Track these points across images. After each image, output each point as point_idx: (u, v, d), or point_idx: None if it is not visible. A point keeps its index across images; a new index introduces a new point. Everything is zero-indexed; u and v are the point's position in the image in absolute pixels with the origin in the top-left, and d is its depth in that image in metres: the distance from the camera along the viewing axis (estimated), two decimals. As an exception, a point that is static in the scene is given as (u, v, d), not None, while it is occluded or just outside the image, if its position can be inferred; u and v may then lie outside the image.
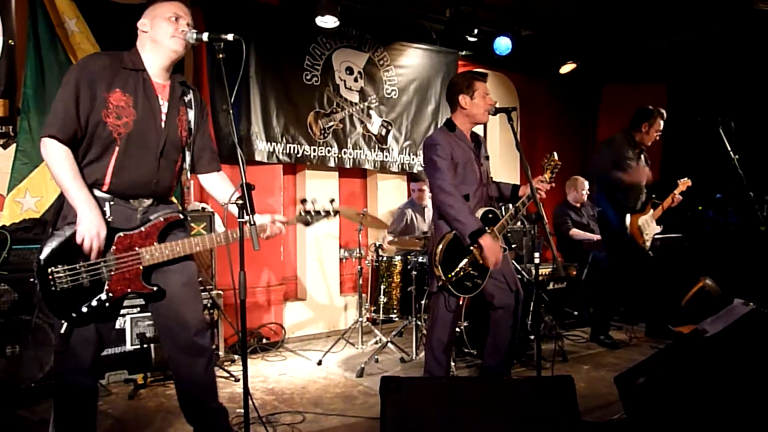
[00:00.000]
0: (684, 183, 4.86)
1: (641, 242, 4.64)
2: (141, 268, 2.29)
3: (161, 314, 2.40)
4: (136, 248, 2.29)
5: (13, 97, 3.92)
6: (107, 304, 2.24)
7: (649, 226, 4.70)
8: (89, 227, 2.15)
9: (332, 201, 2.80)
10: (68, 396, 2.31)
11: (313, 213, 2.72)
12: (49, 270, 2.13)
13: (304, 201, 2.74)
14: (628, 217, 4.64)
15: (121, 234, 2.26)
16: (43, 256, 2.13)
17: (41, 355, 3.41)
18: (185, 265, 2.43)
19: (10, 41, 3.85)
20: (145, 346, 3.80)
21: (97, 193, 2.26)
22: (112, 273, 2.24)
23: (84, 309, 2.20)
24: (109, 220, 2.25)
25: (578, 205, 5.93)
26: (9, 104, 3.92)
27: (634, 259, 4.70)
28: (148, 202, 2.36)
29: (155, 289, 2.33)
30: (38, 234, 3.55)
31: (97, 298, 2.22)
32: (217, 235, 2.39)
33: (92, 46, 4.06)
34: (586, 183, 5.87)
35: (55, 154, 2.18)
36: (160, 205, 2.40)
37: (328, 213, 2.75)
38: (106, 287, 2.23)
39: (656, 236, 4.82)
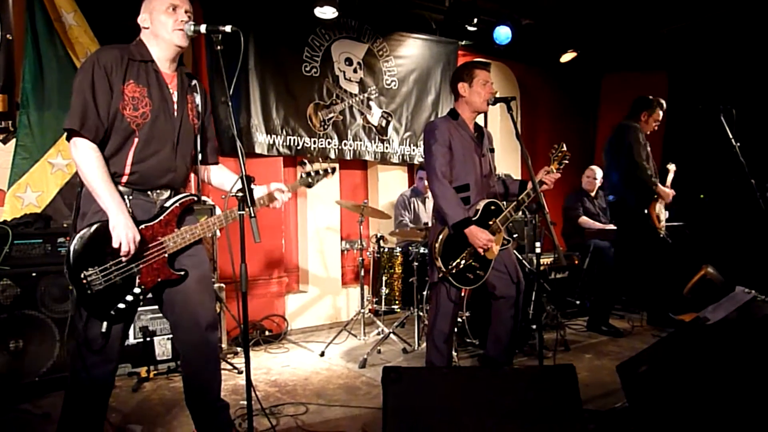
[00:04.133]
0: (671, 170, 4.90)
1: (659, 228, 4.65)
2: (167, 256, 2.33)
3: (175, 312, 2.41)
4: (159, 237, 2.32)
5: (11, 92, 3.90)
6: (141, 297, 2.27)
7: (662, 213, 4.71)
8: (125, 232, 2.17)
9: (327, 158, 2.87)
10: (87, 391, 2.31)
11: (313, 174, 2.80)
12: (82, 275, 2.14)
13: (303, 163, 2.81)
14: None
15: (143, 226, 2.28)
16: (71, 261, 2.13)
17: (44, 349, 3.42)
18: (200, 258, 2.46)
19: (8, 36, 3.82)
20: (148, 339, 3.81)
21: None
22: (142, 266, 2.27)
23: (121, 305, 2.22)
24: (130, 213, 2.26)
25: (592, 194, 5.88)
26: (8, 99, 3.90)
27: (653, 246, 4.70)
28: (166, 194, 2.39)
29: (182, 273, 2.37)
30: (39, 229, 3.55)
31: (131, 293, 2.24)
32: (231, 212, 2.40)
33: (90, 40, 4.04)
34: (597, 171, 5.82)
35: (87, 156, 2.18)
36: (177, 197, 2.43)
37: (326, 171, 2.84)
38: (138, 281, 2.26)
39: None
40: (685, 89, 6.78)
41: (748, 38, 6.06)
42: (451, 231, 3.05)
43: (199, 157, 2.52)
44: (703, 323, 2.82)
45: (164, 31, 2.29)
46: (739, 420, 2.34)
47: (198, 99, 2.50)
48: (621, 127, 4.72)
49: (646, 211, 4.60)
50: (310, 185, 2.83)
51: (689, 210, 6.00)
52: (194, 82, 2.50)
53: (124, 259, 2.21)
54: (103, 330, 2.21)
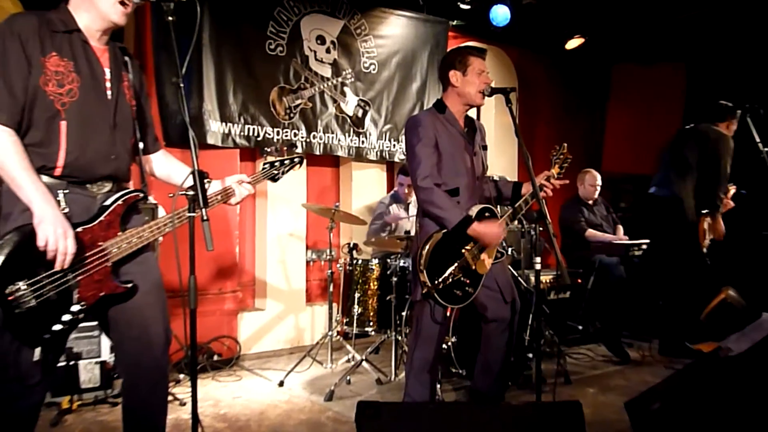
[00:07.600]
0: (731, 187, 5.01)
1: (703, 245, 4.74)
2: (110, 265, 2.23)
3: (120, 329, 2.33)
4: (101, 243, 2.21)
5: None
6: (81, 316, 2.16)
7: (707, 232, 4.80)
8: (54, 227, 2.06)
9: (294, 146, 2.80)
10: (7, 427, 2.21)
11: (278, 164, 2.71)
12: (8, 290, 2.02)
13: (265, 152, 2.72)
14: None
15: (80, 229, 2.17)
16: None
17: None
18: (149, 267, 2.40)
19: None
20: (71, 363, 3.72)
21: (46, 179, 2.16)
22: (80, 278, 2.16)
23: (57, 327, 2.11)
24: (65, 212, 2.16)
25: (590, 202, 5.94)
26: None
27: (691, 260, 4.79)
28: (107, 186, 2.32)
29: (130, 285, 2.27)
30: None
31: (69, 311, 2.13)
32: (183, 210, 2.29)
33: (12, 4, 3.96)
34: (598, 177, 5.87)
35: (1, 142, 2.09)
36: (120, 192, 2.35)
37: (293, 161, 2.75)
38: (76, 296, 2.15)
39: None
40: (706, 84, 6.89)
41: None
42: (453, 234, 3.04)
43: (140, 145, 2.47)
44: (724, 354, 2.86)
45: (102, 2, 2.23)
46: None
47: (132, 78, 2.45)
48: (719, 135, 4.83)
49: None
50: (275, 178, 2.75)
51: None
52: (127, 58, 2.45)
53: (57, 266, 2.09)
54: (36, 358, 2.09)
